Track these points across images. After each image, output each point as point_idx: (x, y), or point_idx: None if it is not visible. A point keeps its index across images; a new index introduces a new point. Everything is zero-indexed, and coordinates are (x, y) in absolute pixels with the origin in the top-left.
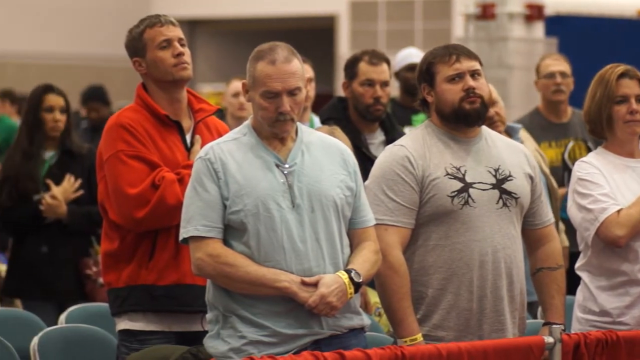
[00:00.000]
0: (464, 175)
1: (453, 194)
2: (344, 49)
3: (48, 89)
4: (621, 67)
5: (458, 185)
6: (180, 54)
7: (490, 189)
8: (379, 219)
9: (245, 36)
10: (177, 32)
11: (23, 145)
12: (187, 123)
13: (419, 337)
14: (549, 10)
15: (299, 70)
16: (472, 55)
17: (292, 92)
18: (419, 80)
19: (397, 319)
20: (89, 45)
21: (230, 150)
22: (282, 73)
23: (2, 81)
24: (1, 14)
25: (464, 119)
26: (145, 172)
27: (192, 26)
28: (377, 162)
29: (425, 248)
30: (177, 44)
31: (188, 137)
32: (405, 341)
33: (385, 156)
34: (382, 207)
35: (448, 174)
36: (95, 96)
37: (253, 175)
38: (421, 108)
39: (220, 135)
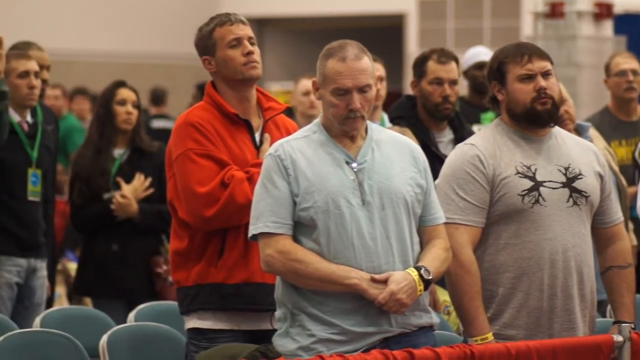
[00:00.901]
0: (534, 173)
1: (523, 193)
2: (413, 48)
3: (121, 84)
4: None
5: (528, 184)
6: (250, 53)
7: (561, 187)
8: (450, 218)
9: (314, 35)
10: (247, 31)
11: (94, 140)
12: (256, 121)
13: (490, 336)
14: (618, 9)
15: (369, 67)
16: (543, 55)
17: (362, 89)
18: (489, 77)
19: (468, 318)
20: (157, 44)
21: (300, 148)
22: (352, 70)
23: (71, 80)
24: (71, 12)
25: (535, 119)
26: (215, 171)
27: (261, 24)
28: (447, 161)
29: (495, 247)
30: (246, 43)
31: (257, 136)
32: (476, 340)
33: (456, 155)
34: (452, 206)
35: (518, 172)
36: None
37: (323, 172)
38: (491, 106)
39: (289, 134)
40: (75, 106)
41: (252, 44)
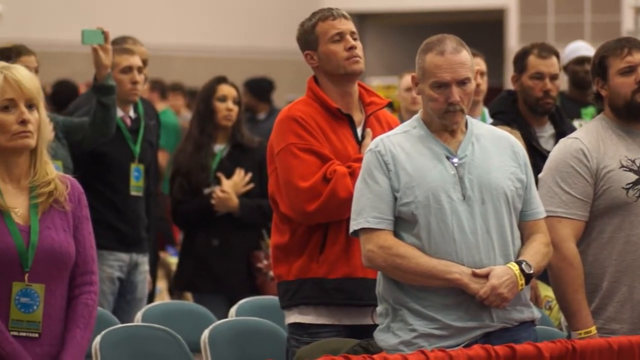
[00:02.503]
0: (639, 167)
1: (628, 186)
2: (513, 43)
3: (222, 79)
4: None
5: (633, 177)
6: (352, 47)
7: None
8: (553, 211)
9: (414, 29)
10: (349, 26)
11: (194, 136)
12: (358, 116)
13: (593, 329)
14: None
15: (467, 60)
16: None
17: (461, 82)
18: (592, 74)
19: (571, 311)
20: (258, 39)
21: (400, 143)
22: (451, 63)
23: (170, 75)
24: (169, 7)
25: (636, 112)
26: (317, 165)
27: (362, 20)
28: (551, 155)
29: (599, 241)
30: (349, 38)
31: (359, 130)
32: (580, 333)
33: (560, 149)
34: (555, 200)
35: (623, 166)
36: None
37: (423, 167)
38: (595, 102)
39: (390, 128)
40: (171, 102)
41: (354, 38)
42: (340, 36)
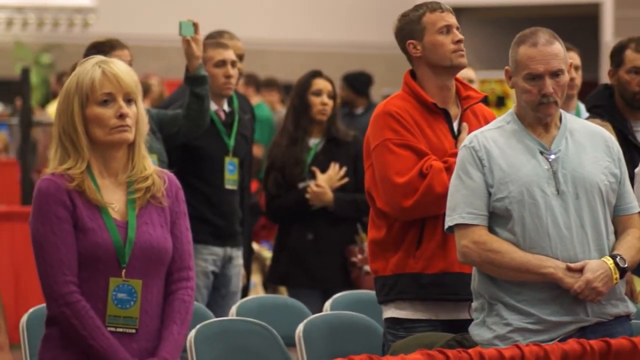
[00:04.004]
0: None
1: None
2: (608, 37)
3: (317, 74)
4: None
5: None
6: (460, 41)
7: None
8: None
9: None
10: (455, 20)
11: (289, 130)
12: (454, 111)
13: None
14: None
15: (560, 52)
16: None
17: (554, 74)
18: None
19: None
20: (352, 33)
21: (494, 138)
22: (544, 55)
23: (265, 69)
24: (265, 2)
25: None
26: (413, 161)
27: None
28: None
29: None
30: (456, 31)
31: (455, 125)
32: None
33: None
34: None
35: None
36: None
37: (517, 162)
38: None
39: (487, 123)
40: (265, 98)
41: (460, 34)
42: (448, 29)
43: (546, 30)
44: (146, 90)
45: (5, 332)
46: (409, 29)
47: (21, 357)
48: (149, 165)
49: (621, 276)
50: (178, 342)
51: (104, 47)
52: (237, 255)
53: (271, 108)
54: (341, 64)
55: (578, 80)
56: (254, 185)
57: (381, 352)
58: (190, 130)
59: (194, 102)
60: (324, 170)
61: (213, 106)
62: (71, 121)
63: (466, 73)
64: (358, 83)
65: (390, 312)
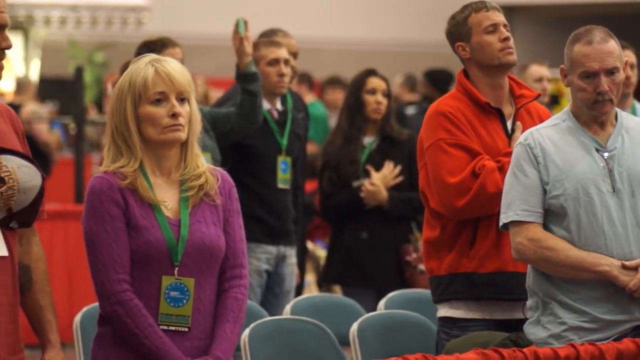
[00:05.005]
0: None
1: None
2: None
3: (371, 72)
4: None
5: None
6: (506, 39)
7: None
8: None
9: (563, 22)
10: (502, 18)
11: (343, 129)
12: (508, 110)
13: None
14: None
15: (616, 50)
16: None
17: (610, 72)
18: None
19: None
20: (406, 32)
21: (550, 136)
22: (599, 52)
23: (319, 68)
24: (319, 0)
25: None
26: (466, 161)
27: (510, 12)
28: None
29: None
30: (503, 29)
31: (509, 124)
32: None
33: None
34: None
35: None
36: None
37: (573, 159)
38: None
39: (541, 121)
40: (329, 96)
41: (507, 31)
42: (494, 27)
43: (601, 28)
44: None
45: (56, 330)
46: (456, 31)
47: (74, 355)
48: (202, 163)
49: None
50: (231, 341)
51: (156, 46)
52: (291, 254)
53: (335, 107)
54: (395, 63)
55: (634, 79)
56: (310, 185)
57: (435, 351)
58: (243, 127)
59: (247, 99)
60: (378, 169)
61: (266, 105)
62: (124, 120)
63: (538, 70)
64: (439, 80)
65: (444, 311)
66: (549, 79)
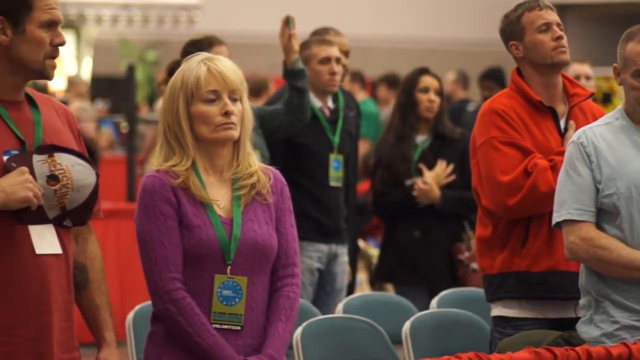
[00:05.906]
0: None
1: None
2: None
3: (424, 70)
4: None
5: None
6: (559, 37)
7: None
8: None
9: (616, 20)
10: (555, 17)
11: (396, 127)
12: (561, 108)
13: None
14: None
15: None
16: None
17: None
18: None
19: None
20: (459, 29)
21: (602, 134)
22: None
23: (371, 66)
24: None
25: None
26: (518, 159)
27: (563, 10)
28: None
29: None
30: (556, 28)
31: (562, 123)
32: None
33: None
34: None
35: None
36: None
37: (626, 158)
38: None
39: (595, 120)
40: (381, 93)
41: (560, 29)
42: (547, 26)
43: None
44: (262, 87)
45: (112, 328)
46: (509, 30)
47: (127, 353)
48: (254, 162)
49: None
50: (283, 339)
51: (202, 44)
52: (342, 252)
53: (387, 104)
54: (447, 61)
55: None
56: (365, 186)
57: (488, 349)
58: (292, 124)
59: (295, 96)
60: (430, 167)
61: (317, 103)
62: (176, 118)
63: (582, 69)
64: (496, 78)
65: (497, 310)
66: (588, 77)
